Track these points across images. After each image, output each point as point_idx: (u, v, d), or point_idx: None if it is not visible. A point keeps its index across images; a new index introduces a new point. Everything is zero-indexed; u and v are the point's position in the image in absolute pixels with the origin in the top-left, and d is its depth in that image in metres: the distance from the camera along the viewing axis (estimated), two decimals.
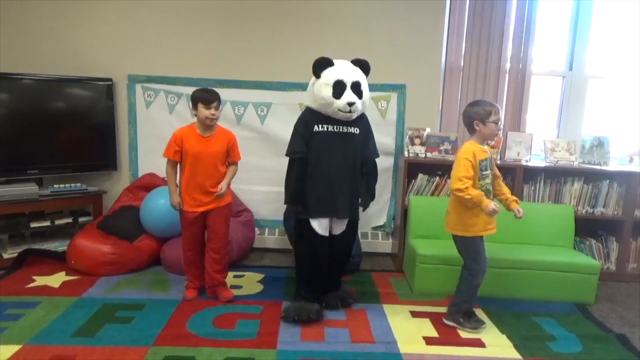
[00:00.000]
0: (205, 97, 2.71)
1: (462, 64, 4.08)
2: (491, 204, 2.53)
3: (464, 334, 2.70)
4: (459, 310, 2.77)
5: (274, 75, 3.98)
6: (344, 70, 2.69)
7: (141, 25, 3.94)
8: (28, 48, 3.88)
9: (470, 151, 2.58)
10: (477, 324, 2.75)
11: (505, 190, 2.82)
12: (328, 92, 2.63)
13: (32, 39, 3.88)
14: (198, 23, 3.94)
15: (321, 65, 2.68)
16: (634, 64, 4.26)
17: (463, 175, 2.54)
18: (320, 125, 2.71)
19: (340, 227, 2.84)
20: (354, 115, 2.72)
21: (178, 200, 2.86)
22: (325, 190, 2.73)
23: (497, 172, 2.81)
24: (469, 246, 2.70)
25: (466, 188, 2.52)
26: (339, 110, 2.65)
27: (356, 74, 2.71)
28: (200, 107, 2.71)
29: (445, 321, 2.80)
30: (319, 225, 2.77)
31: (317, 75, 2.69)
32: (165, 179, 2.92)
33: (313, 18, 3.95)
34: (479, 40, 4.01)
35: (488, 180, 2.65)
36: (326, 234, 2.80)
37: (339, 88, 2.63)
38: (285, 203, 2.86)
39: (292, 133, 2.77)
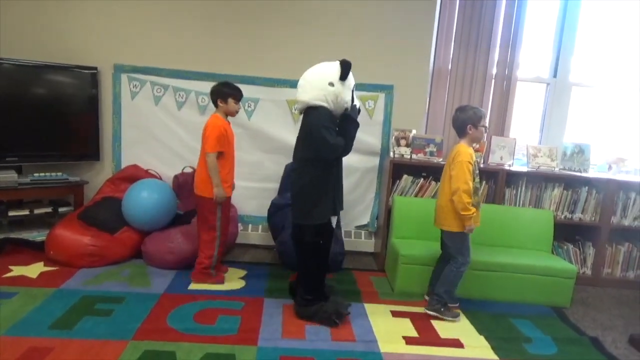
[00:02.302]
0: (238, 94, 3.04)
1: (449, 67, 4.11)
2: (473, 226, 2.78)
3: (443, 334, 2.74)
4: (440, 300, 2.92)
5: (262, 71, 3.96)
6: (352, 75, 2.67)
7: (129, 15, 3.88)
8: (12, 32, 3.78)
9: (469, 154, 2.77)
10: (456, 314, 2.93)
11: None
12: (349, 95, 2.62)
13: (16, 23, 3.78)
14: (187, 15, 3.90)
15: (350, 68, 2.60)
16: (617, 73, 4.36)
17: (469, 178, 2.71)
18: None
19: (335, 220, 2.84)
20: None
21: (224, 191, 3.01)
22: (340, 185, 2.77)
23: None
24: (462, 241, 2.86)
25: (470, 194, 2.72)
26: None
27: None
28: (232, 101, 3.02)
29: (427, 311, 2.95)
30: (334, 220, 2.79)
31: (345, 78, 2.59)
32: (211, 173, 2.95)
33: (302, 16, 3.94)
34: (467, 44, 4.06)
35: (477, 179, 2.83)
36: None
37: (353, 92, 2.65)
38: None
39: (324, 131, 2.51)
